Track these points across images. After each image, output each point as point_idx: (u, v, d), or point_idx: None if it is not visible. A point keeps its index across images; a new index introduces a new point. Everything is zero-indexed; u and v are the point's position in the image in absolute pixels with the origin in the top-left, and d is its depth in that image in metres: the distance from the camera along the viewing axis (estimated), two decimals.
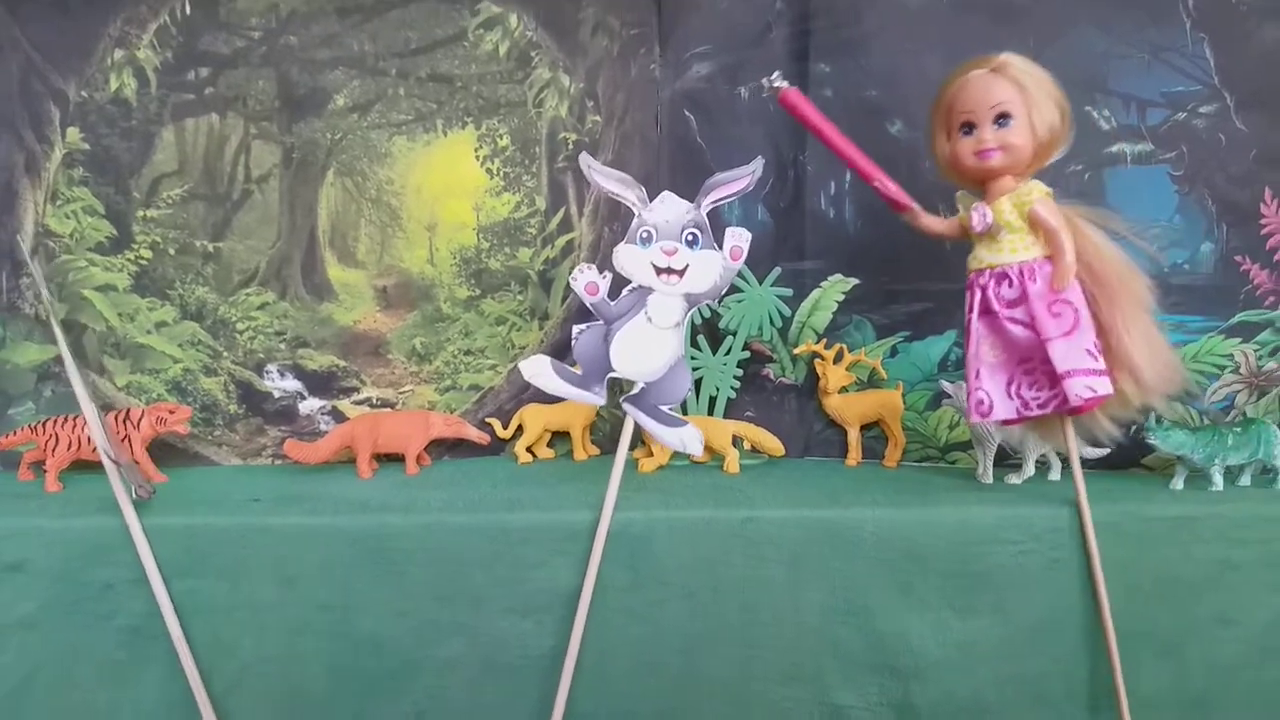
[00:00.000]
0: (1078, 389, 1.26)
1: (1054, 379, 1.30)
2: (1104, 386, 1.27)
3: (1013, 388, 1.36)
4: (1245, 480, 1.50)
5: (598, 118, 1.77)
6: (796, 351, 1.73)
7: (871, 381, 1.73)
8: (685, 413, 1.64)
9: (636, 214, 1.30)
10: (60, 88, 1.65)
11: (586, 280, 1.30)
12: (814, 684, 1.34)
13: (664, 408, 1.32)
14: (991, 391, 1.36)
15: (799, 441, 1.77)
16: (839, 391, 1.69)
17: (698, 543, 1.32)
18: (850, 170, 1.43)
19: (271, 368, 1.74)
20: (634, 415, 1.32)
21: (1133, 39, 1.57)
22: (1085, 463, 1.36)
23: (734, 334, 1.70)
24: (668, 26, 1.73)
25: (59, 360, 1.60)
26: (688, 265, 1.30)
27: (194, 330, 1.71)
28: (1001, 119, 1.30)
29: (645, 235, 1.29)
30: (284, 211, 1.73)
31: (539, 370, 1.32)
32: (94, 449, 1.39)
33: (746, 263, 1.36)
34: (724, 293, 1.35)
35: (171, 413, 1.56)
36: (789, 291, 1.69)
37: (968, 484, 1.53)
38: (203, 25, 1.67)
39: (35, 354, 1.67)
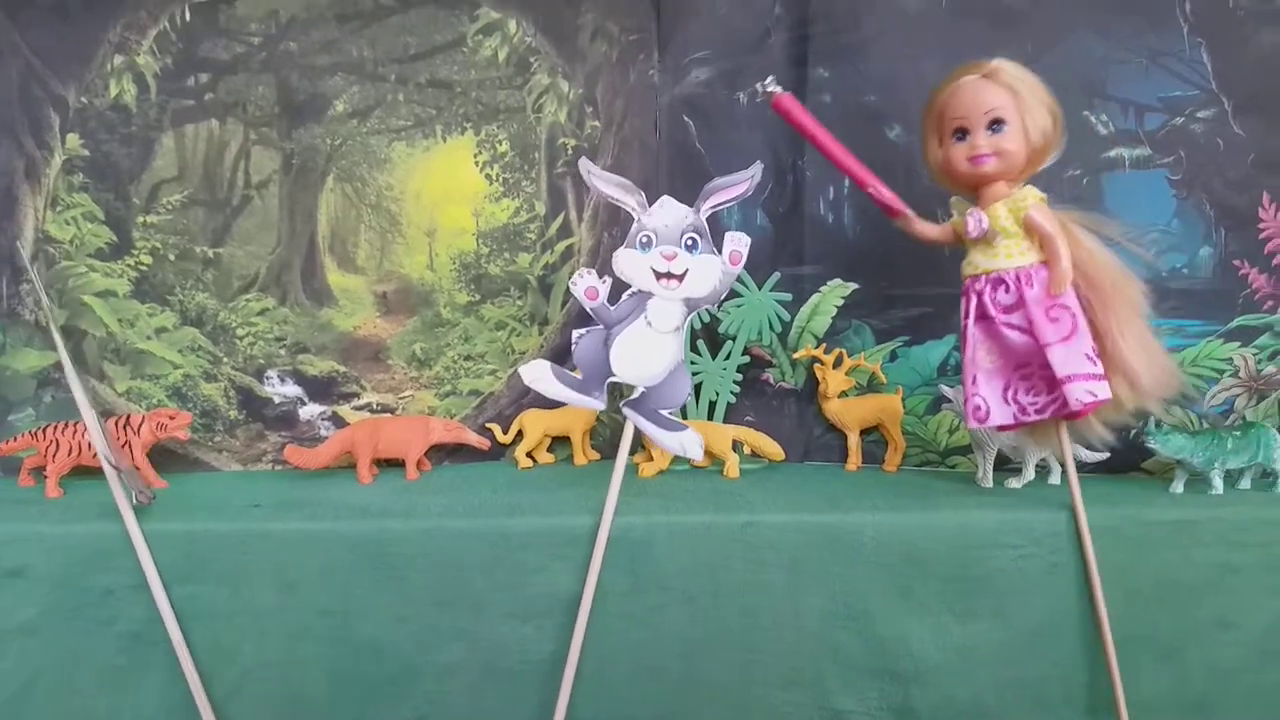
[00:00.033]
0: (1078, 394, 1.26)
1: (1051, 384, 1.30)
2: (1103, 391, 1.27)
3: (1009, 393, 1.36)
4: (1245, 484, 1.50)
5: (597, 123, 1.77)
6: (796, 356, 1.73)
7: (871, 386, 1.73)
8: (685, 417, 1.65)
9: (636, 219, 1.30)
10: (60, 93, 1.65)
11: (586, 285, 1.30)
12: (814, 688, 1.34)
13: (664, 412, 1.33)
14: (988, 397, 1.36)
15: (799, 446, 1.77)
16: (838, 396, 1.69)
17: (698, 547, 1.32)
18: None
19: (272, 373, 1.74)
20: (634, 420, 1.33)
21: (1131, 44, 1.57)
22: (1084, 466, 1.36)
23: (733, 339, 1.70)
24: (666, 32, 1.74)
25: (59, 366, 1.59)
26: (687, 270, 1.30)
27: (194, 336, 1.71)
28: (995, 124, 1.30)
29: (645, 240, 1.30)
30: (284, 217, 1.73)
31: (539, 375, 1.32)
32: (94, 455, 1.39)
33: (746, 267, 1.36)
34: (723, 297, 1.35)
35: (172, 418, 1.56)
36: (788, 296, 1.69)
37: (967, 488, 1.53)
38: (202, 31, 1.68)
39: (35, 360, 1.67)
